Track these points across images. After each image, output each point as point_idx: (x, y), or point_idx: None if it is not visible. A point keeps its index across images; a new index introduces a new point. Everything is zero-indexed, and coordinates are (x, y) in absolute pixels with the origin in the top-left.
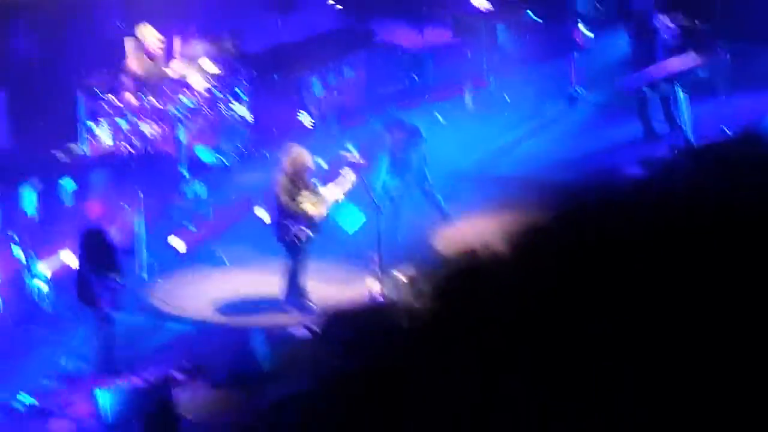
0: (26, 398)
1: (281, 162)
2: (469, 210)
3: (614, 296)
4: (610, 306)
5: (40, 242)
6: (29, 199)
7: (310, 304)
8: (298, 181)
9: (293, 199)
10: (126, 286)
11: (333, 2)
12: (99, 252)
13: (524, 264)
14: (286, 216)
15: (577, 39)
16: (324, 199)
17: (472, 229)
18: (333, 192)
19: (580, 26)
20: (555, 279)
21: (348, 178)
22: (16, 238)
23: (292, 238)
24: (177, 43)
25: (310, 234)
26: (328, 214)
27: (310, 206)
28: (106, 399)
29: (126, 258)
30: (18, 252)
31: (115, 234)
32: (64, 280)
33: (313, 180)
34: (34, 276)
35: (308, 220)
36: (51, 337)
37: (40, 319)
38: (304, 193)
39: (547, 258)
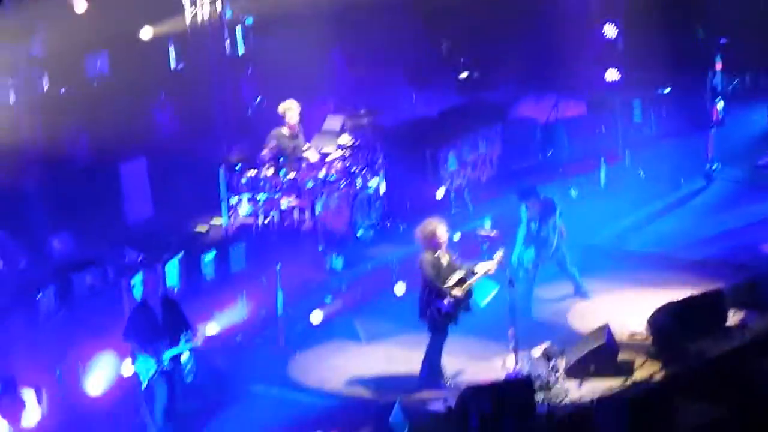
0: None
1: (423, 236)
2: (604, 285)
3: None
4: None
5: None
6: (172, 270)
7: (447, 380)
8: (442, 256)
9: (438, 275)
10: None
11: (467, 77)
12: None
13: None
14: (431, 291)
15: (714, 114)
16: (469, 275)
17: (606, 305)
18: (481, 269)
19: (718, 102)
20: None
21: (497, 257)
22: None
23: (435, 314)
24: (315, 118)
25: (454, 310)
26: (470, 292)
27: (455, 282)
28: None
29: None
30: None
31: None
32: (207, 352)
33: (454, 255)
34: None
35: (453, 296)
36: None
37: (183, 391)
38: (450, 268)
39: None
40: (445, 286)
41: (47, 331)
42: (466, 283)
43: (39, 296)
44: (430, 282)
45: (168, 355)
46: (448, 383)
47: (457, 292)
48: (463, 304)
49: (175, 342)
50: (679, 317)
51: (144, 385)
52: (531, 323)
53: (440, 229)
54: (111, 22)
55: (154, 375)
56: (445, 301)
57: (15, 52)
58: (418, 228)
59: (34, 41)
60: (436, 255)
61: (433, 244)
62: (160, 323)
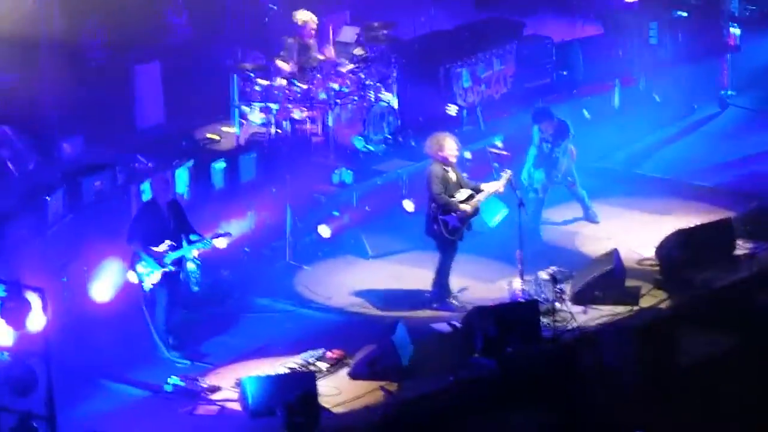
0: (176, 381)
1: (431, 147)
2: (613, 210)
3: None
4: None
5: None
6: (181, 177)
7: (453, 300)
8: (451, 172)
9: (444, 190)
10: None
11: None
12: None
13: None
14: (438, 206)
15: (731, 41)
16: (478, 193)
17: (615, 230)
18: (489, 188)
19: (734, 28)
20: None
21: (505, 176)
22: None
23: (442, 229)
24: (330, 29)
25: (462, 228)
26: (477, 209)
27: (463, 199)
28: (250, 385)
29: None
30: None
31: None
32: (213, 262)
33: (464, 174)
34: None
35: (460, 214)
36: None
37: (187, 300)
38: (458, 185)
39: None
40: (453, 200)
41: (54, 235)
42: (474, 199)
43: (47, 199)
44: (436, 196)
45: (170, 258)
46: (455, 304)
47: (465, 206)
48: (468, 221)
49: (178, 246)
50: (688, 246)
51: (146, 288)
52: (539, 246)
53: (449, 142)
54: None
55: (156, 279)
56: (452, 216)
57: None
58: (428, 139)
59: None
60: (445, 169)
61: (442, 157)
62: (165, 227)
